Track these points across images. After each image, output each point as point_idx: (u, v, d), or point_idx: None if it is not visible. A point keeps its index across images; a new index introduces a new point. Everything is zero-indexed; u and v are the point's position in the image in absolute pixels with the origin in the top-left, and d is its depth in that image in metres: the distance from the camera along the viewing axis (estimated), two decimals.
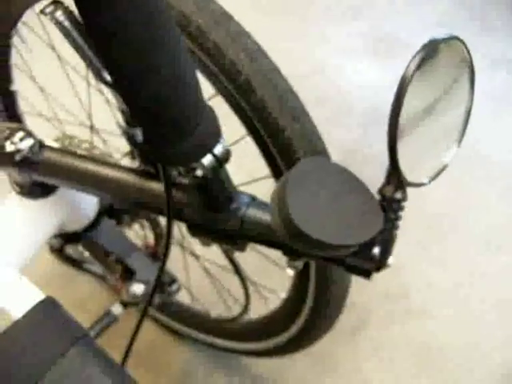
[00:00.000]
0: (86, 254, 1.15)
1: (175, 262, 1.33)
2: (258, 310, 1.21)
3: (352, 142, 1.90)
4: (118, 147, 1.12)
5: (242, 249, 0.76)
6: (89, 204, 1.04)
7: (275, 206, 0.59)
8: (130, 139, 0.71)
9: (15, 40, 1.18)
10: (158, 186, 0.75)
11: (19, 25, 1.14)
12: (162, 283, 1.10)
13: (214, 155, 0.64)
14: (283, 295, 1.12)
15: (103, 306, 1.48)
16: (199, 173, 0.64)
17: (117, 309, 1.05)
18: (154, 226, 1.13)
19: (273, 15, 2.35)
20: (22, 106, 1.32)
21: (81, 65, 0.72)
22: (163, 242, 1.14)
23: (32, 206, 0.96)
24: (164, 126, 0.60)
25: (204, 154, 0.63)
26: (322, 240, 0.56)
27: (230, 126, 0.80)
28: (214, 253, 1.05)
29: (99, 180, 0.80)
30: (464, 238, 1.65)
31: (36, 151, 0.86)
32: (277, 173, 0.87)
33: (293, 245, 0.60)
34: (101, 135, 1.24)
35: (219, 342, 1.39)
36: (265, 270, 1.27)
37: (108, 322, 1.04)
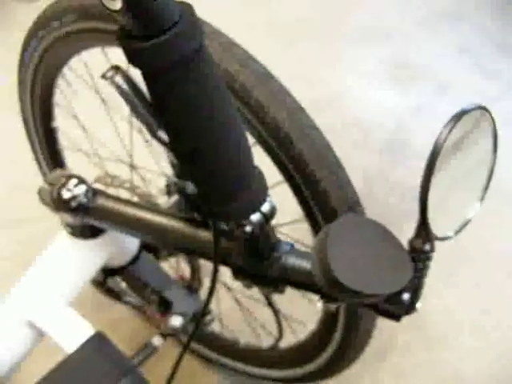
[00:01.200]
0: (124, 286, 1.21)
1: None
2: (287, 339, 1.24)
3: (374, 168, 1.95)
4: (156, 185, 1.19)
5: (282, 291, 0.82)
6: (132, 242, 1.10)
7: (316, 257, 0.65)
8: (180, 190, 0.78)
9: (60, 81, 1.25)
10: (204, 234, 0.81)
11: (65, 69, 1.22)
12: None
13: (262, 213, 0.70)
14: (312, 327, 1.18)
15: (135, 329, 1.55)
16: (248, 229, 0.70)
17: (157, 340, 1.11)
18: (191, 260, 1.19)
19: (293, 41, 2.40)
20: (64, 142, 1.39)
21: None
22: (199, 275, 1.20)
23: (81, 246, 1.02)
24: (218, 187, 0.66)
25: (253, 212, 0.69)
26: (357, 290, 0.62)
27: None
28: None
29: (148, 226, 0.87)
30: (489, 263, 1.69)
31: (90, 197, 0.93)
32: (310, 217, 0.93)
33: (330, 292, 0.66)
34: (139, 172, 1.30)
35: (246, 368, 1.45)
36: (294, 301, 1.32)
37: (148, 353, 1.10)
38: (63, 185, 0.94)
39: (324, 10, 2.64)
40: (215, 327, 1.48)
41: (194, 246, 0.83)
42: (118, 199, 0.92)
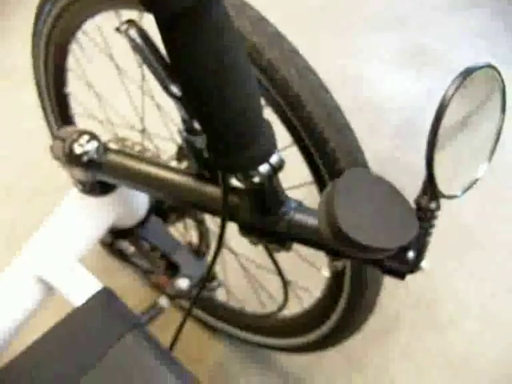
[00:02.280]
0: (132, 249, 1.23)
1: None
2: (292, 307, 1.26)
3: (387, 151, 1.96)
4: (165, 150, 1.20)
5: (288, 249, 0.83)
6: (141, 203, 1.12)
7: (323, 211, 0.66)
8: (190, 146, 0.79)
9: (73, 46, 1.26)
10: (213, 190, 0.82)
11: (78, 33, 1.22)
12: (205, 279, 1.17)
13: (270, 164, 0.71)
14: (317, 294, 1.19)
15: (141, 299, 1.57)
16: (256, 180, 0.71)
17: (163, 301, 1.12)
18: (199, 224, 1.20)
19: (307, 28, 2.40)
20: (76, 108, 1.40)
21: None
22: (206, 240, 1.21)
23: (92, 203, 1.04)
24: (228, 137, 0.67)
25: (261, 163, 0.70)
26: (364, 243, 0.63)
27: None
28: (250, 251, 1.12)
29: (158, 182, 0.88)
30: (498, 250, 1.70)
31: (101, 153, 0.94)
32: (319, 180, 0.94)
33: (337, 247, 0.67)
34: (151, 138, 1.31)
35: (252, 337, 1.46)
36: (300, 269, 1.33)
37: (154, 313, 1.11)
38: (75, 140, 0.95)
39: None
40: (221, 296, 1.49)
41: (203, 202, 0.84)
42: (128, 155, 0.93)
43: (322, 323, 1.20)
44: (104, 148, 0.95)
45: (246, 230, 0.82)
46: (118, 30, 0.75)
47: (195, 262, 1.18)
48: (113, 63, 1.24)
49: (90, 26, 1.18)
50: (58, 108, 1.41)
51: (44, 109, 1.43)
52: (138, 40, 0.73)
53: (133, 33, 0.73)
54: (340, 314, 1.13)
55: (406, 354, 1.50)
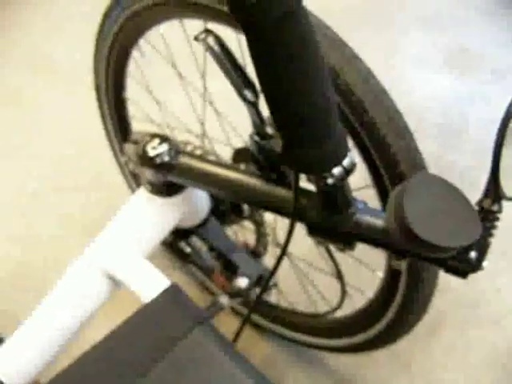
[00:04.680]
0: (188, 249, 1.28)
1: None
2: (344, 308, 1.29)
3: (428, 152, 1.97)
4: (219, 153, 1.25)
5: (352, 248, 0.87)
6: (203, 205, 1.16)
7: (392, 211, 0.70)
8: (261, 149, 0.83)
9: (135, 52, 1.31)
10: (283, 191, 0.87)
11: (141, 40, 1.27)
12: (262, 278, 1.21)
13: (343, 166, 0.75)
14: (370, 295, 1.22)
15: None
16: (330, 181, 0.75)
17: (223, 299, 1.16)
18: (257, 226, 1.24)
19: (346, 28, 2.42)
20: (134, 112, 1.46)
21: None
22: (264, 241, 1.25)
23: (159, 203, 1.09)
24: (305, 140, 0.71)
25: (335, 165, 0.74)
26: (433, 242, 0.67)
27: None
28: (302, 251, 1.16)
29: (229, 183, 0.93)
30: None
31: (173, 155, 0.99)
32: (379, 183, 0.98)
33: (405, 246, 0.71)
34: (210, 143, 1.36)
35: (302, 337, 1.49)
36: (351, 270, 1.36)
37: (215, 310, 1.15)
38: (148, 143, 1.00)
39: None
40: (272, 296, 1.53)
41: (272, 203, 0.89)
42: (199, 157, 0.98)
43: (375, 323, 1.22)
44: (175, 150, 1.00)
45: (314, 230, 0.86)
46: (196, 38, 0.80)
47: (252, 263, 1.22)
48: (169, 68, 1.29)
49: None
50: (116, 111, 1.46)
51: (102, 112, 1.48)
52: (216, 48, 0.78)
53: (210, 40, 0.78)
54: (394, 314, 1.16)
55: (451, 352, 1.52)
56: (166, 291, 0.95)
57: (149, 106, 1.46)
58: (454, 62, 2.31)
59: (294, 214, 0.82)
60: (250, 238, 1.33)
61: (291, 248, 1.32)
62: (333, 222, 0.83)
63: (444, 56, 2.34)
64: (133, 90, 1.43)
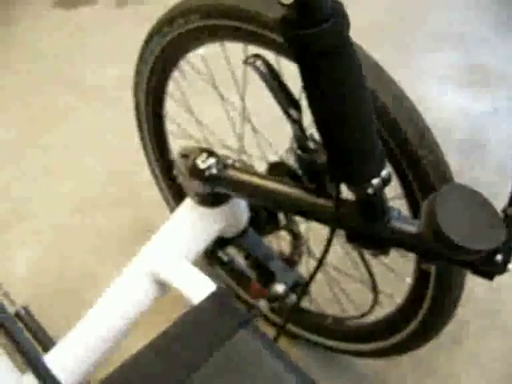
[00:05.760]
0: (226, 258, 1.35)
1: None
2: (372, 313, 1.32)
3: (452, 166, 2.02)
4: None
5: (387, 253, 0.95)
6: (243, 215, 1.25)
7: (425, 217, 0.80)
8: (303, 162, 0.92)
9: (175, 73, 1.40)
10: (323, 201, 0.95)
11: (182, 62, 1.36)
12: (298, 284, 1.28)
13: (381, 177, 0.83)
14: (398, 301, 1.29)
15: None
16: (369, 191, 0.84)
17: (262, 304, 1.23)
18: (293, 235, 1.31)
19: (367, 45, 2.47)
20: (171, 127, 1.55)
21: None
22: (299, 250, 1.32)
23: (205, 213, 1.18)
24: (349, 154, 0.80)
25: (374, 177, 0.83)
26: (463, 245, 0.76)
27: None
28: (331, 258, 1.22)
29: (273, 194, 1.02)
30: None
31: (220, 168, 1.08)
32: (409, 194, 1.05)
33: (437, 249, 0.80)
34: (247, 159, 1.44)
35: (329, 342, 1.54)
36: (380, 276, 1.41)
37: (254, 314, 1.23)
38: (197, 157, 1.08)
39: (399, 15, 2.75)
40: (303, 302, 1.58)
41: (313, 212, 0.97)
42: (245, 170, 1.06)
43: (403, 328, 1.29)
44: (222, 164, 1.08)
45: (352, 237, 0.95)
46: (245, 62, 0.88)
47: (287, 270, 1.29)
48: (205, 85, 1.38)
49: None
50: (154, 127, 1.55)
51: (140, 128, 1.57)
52: (264, 71, 0.87)
53: (259, 64, 0.87)
54: (421, 319, 1.22)
55: (475, 360, 1.57)
56: (213, 294, 1.02)
57: (186, 123, 1.55)
58: (475, 79, 2.38)
59: (335, 221, 0.91)
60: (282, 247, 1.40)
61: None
62: (370, 229, 0.91)
63: (464, 74, 2.41)
64: (170, 107, 1.51)
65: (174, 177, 1.19)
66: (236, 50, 1.19)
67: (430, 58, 2.49)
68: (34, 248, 1.96)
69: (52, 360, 1.14)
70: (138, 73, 1.43)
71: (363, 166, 0.81)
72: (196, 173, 1.09)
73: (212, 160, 1.08)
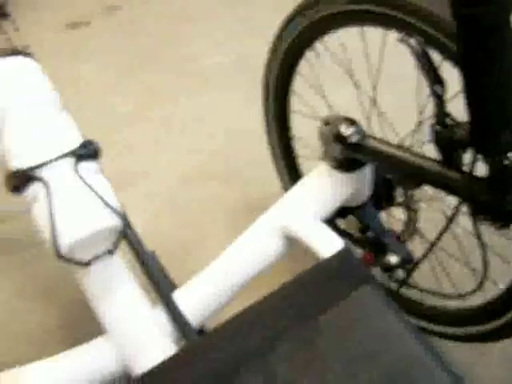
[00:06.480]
0: (343, 226, 1.45)
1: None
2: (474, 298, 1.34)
3: None
4: None
5: (508, 227, 1.03)
6: (369, 187, 1.36)
7: None
8: (439, 137, 1.02)
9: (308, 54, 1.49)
10: (454, 173, 1.05)
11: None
12: (407, 261, 1.35)
13: None
14: (502, 286, 1.31)
15: None
16: (506, 162, 0.93)
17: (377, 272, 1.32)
18: (409, 212, 1.39)
19: None
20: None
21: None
22: (412, 227, 1.40)
23: (338, 176, 1.29)
24: (493, 127, 0.91)
25: (511, 150, 0.92)
26: None
27: None
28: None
29: (407, 164, 1.13)
30: None
31: (361, 137, 1.18)
32: None
33: None
34: None
35: (426, 325, 1.55)
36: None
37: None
38: (341, 124, 1.19)
39: None
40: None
41: (446, 183, 1.08)
42: (382, 141, 1.18)
43: (502, 314, 1.31)
44: (363, 133, 1.19)
45: (481, 210, 1.04)
46: (401, 40, 0.99)
47: (398, 246, 1.37)
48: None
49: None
50: (280, 104, 1.63)
51: (266, 102, 1.66)
52: (417, 48, 0.97)
53: (412, 41, 0.97)
54: None
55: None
56: (340, 251, 1.12)
57: (312, 102, 1.63)
58: None
59: (467, 192, 1.01)
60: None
61: (429, 235, 1.40)
62: (501, 201, 1.00)
63: None
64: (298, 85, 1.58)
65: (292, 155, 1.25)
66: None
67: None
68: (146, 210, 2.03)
69: (180, 297, 1.21)
70: (272, 51, 1.52)
71: (504, 138, 0.91)
72: (339, 138, 1.20)
73: (354, 128, 1.19)
